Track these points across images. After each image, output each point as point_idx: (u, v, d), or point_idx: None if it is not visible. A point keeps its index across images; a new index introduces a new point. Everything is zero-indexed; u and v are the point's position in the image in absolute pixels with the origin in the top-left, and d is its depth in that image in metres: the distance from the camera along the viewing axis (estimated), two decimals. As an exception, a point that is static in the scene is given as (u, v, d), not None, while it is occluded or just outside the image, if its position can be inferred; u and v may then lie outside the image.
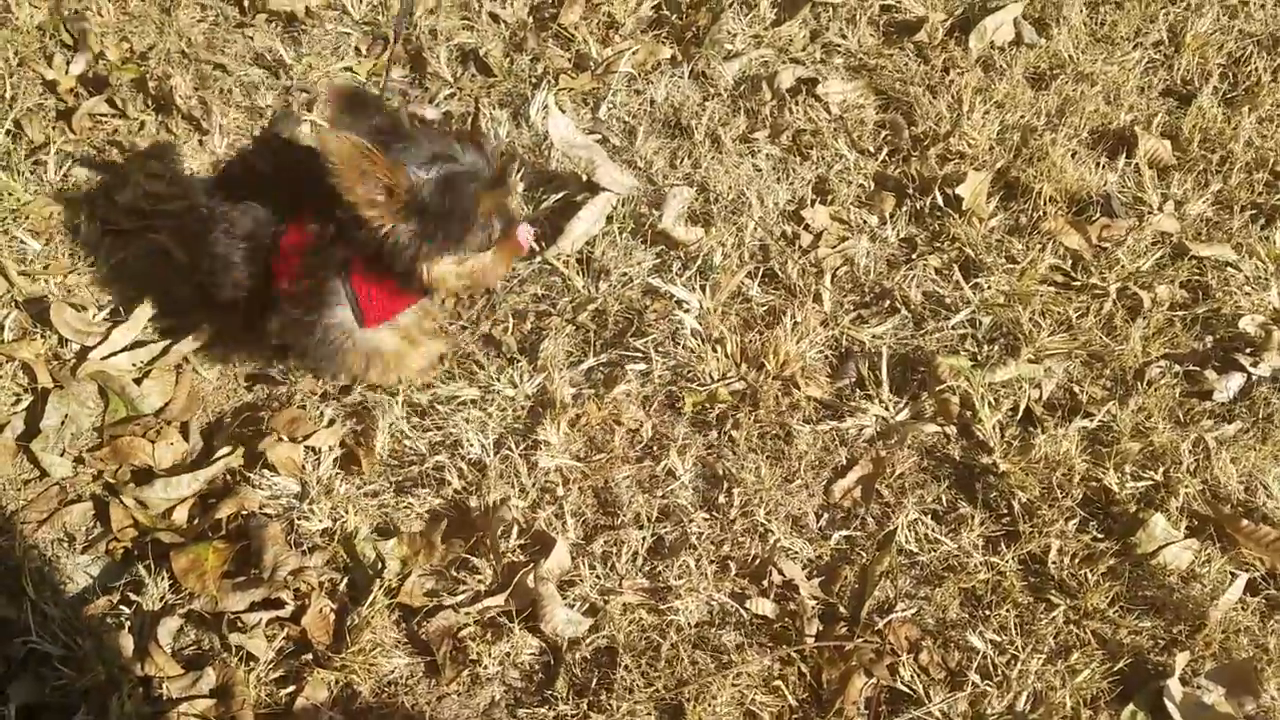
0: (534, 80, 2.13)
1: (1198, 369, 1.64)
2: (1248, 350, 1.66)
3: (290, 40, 2.20)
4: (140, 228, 1.84)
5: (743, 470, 1.55)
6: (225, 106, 2.04)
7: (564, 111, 2.05)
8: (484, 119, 2.05)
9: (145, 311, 1.69)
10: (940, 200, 1.87)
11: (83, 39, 2.12)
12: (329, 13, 2.28)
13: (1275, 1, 2.25)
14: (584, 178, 1.91)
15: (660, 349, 1.70)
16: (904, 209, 1.90)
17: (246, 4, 2.25)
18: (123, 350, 1.65)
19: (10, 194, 1.83)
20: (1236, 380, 1.61)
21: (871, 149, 2.01)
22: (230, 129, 2.01)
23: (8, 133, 1.94)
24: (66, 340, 1.66)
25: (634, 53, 2.16)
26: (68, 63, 2.09)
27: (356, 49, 2.23)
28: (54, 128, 1.98)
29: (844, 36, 2.23)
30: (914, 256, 1.83)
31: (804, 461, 1.57)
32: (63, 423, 1.59)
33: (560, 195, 1.91)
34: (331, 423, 1.60)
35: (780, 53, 2.21)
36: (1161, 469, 1.52)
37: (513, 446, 1.56)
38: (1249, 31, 2.19)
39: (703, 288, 1.77)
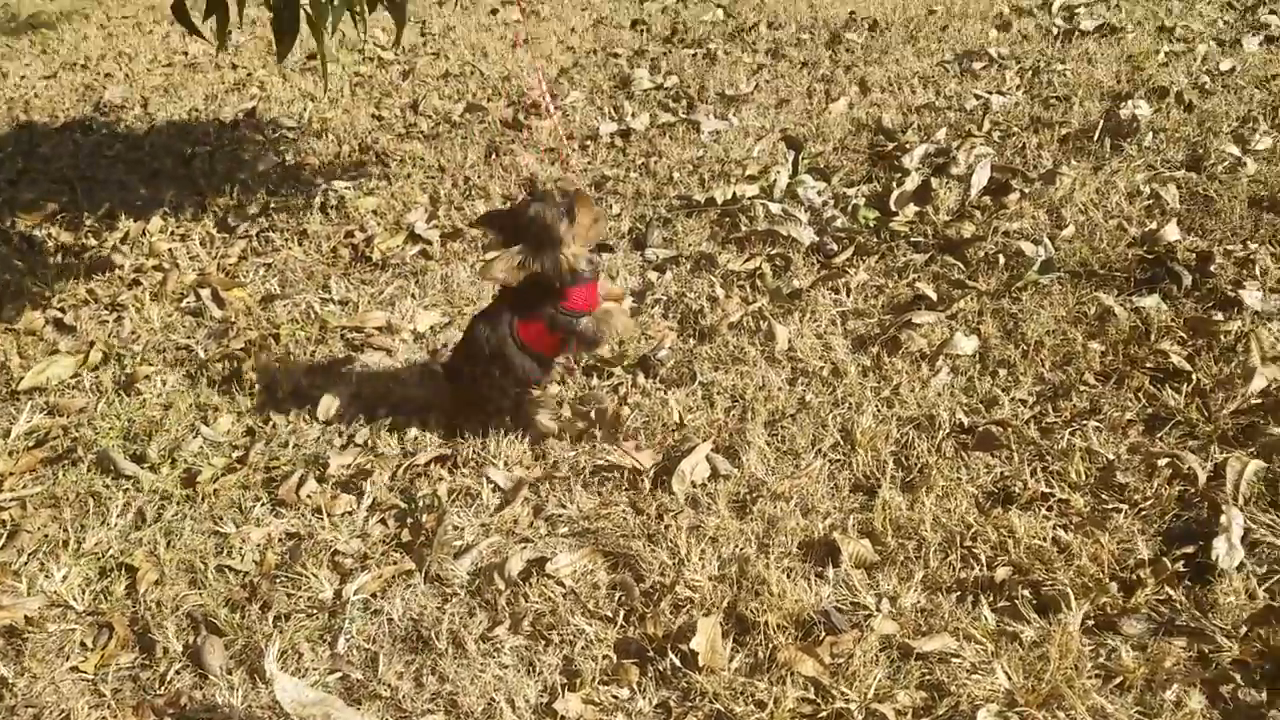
0: (266, 634, 2.11)
1: (954, 775, 1.68)
2: (994, 745, 1.72)
3: (11, 652, 2.11)
4: None
5: None
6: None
7: (300, 655, 2.02)
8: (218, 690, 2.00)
9: None
10: (678, 660, 1.92)
11: None
12: (51, 611, 2.22)
13: (922, 384, 2.57)
14: (329, 730, 1.86)
15: None
16: (649, 674, 1.93)
17: (-47, 629, 2.17)
18: None
19: None
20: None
21: (609, 613, 2.07)
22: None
23: None
24: None
25: (364, 583, 2.19)
26: None
27: (83, 643, 2.16)
28: None
29: (563, 506, 2.36)
30: (673, 724, 1.85)
31: None
32: None
33: (309, 750, 1.84)
34: None
35: (508, 535, 2.31)
36: None
37: None
38: (906, 416, 2.47)
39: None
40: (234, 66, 6.14)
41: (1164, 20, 5.19)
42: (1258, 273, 2.87)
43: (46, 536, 2.44)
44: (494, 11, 6.80)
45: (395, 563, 2.27)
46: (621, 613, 2.07)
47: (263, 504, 2.47)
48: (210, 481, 2.55)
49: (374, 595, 2.19)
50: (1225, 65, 4.45)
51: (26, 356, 3.21)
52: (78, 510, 2.51)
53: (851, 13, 5.92)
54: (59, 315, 3.41)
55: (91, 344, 3.18)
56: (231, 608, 2.19)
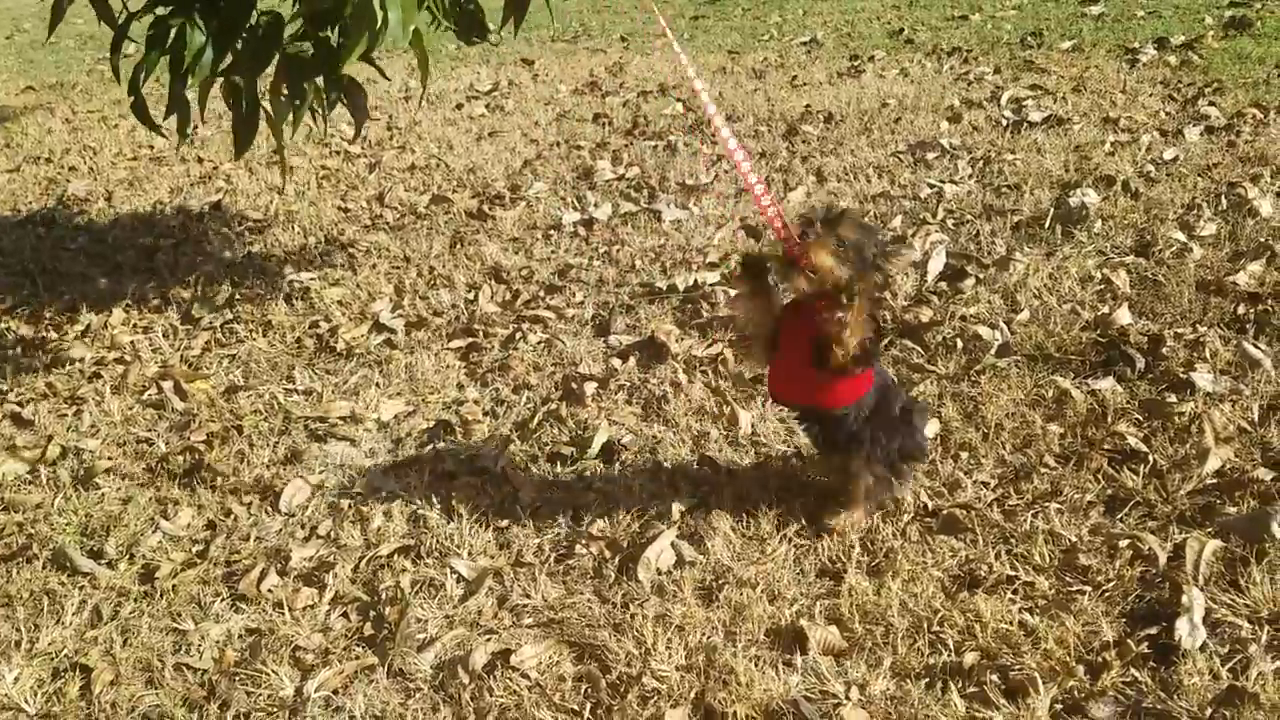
0: (225, 734, 2.06)
1: None
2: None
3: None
4: None
5: None
6: None
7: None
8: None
9: None
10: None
11: None
12: (2, 715, 2.16)
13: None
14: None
15: None
16: (617, 771, 1.90)
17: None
18: None
19: None
20: None
21: (575, 706, 2.04)
22: None
23: None
24: None
25: (325, 679, 2.14)
26: None
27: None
28: None
29: (528, 596, 2.34)
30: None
31: None
32: None
33: None
34: None
35: (472, 627, 2.28)
36: None
37: None
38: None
39: None
40: (200, 160, 6.19)
41: (1108, 112, 5.38)
42: (1208, 355, 2.94)
43: (-3, 637, 2.38)
44: (459, 106, 6.93)
45: (357, 657, 2.23)
46: (588, 706, 2.04)
47: (223, 599, 2.43)
48: (169, 577, 2.50)
49: (335, 692, 2.14)
50: (1169, 154, 4.60)
51: (-19, 452, 3.16)
52: (31, 609, 2.45)
53: (807, 106, 6.08)
54: (16, 409, 3.36)
55: (49, 438, 3.14)
56: (189, 707, 2.13)
